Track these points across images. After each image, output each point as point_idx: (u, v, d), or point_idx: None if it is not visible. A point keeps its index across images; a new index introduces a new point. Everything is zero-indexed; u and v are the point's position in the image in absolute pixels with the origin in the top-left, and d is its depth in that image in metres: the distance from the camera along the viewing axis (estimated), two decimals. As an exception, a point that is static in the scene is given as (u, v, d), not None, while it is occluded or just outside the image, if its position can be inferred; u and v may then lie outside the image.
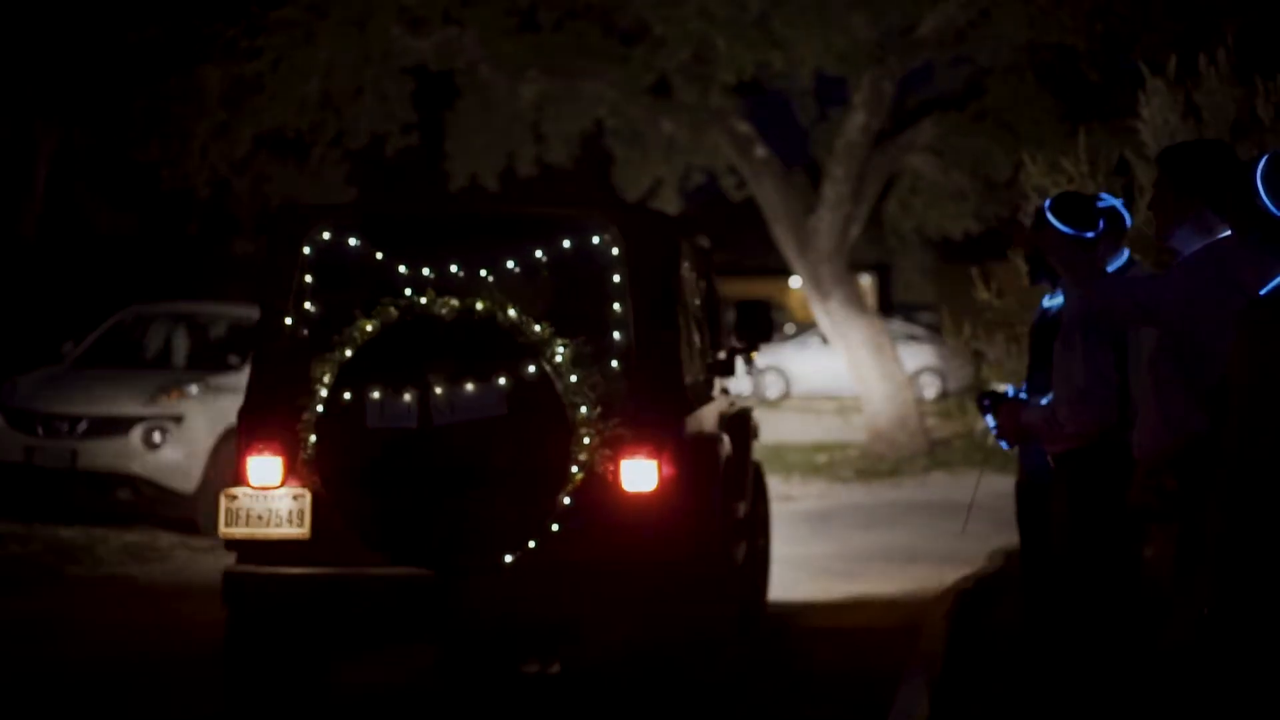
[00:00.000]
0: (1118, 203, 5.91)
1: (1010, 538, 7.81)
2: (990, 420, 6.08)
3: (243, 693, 6.74)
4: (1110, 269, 5.74)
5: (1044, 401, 5.81)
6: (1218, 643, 3.44)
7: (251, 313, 13.15)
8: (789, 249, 19.80)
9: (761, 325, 8.68)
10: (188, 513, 12.45)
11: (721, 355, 8.34)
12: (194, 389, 12.88)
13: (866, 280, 26.97)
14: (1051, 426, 5.63)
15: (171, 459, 12.47)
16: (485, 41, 18.67)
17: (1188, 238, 4.66)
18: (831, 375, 25.32)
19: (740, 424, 8.59)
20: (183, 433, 12.52)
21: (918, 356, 27.87)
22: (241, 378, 13.01)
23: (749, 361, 8.90)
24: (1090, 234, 5.54)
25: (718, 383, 8.18)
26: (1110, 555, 5.38)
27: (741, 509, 8.13)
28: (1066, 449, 5.56)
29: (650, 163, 21.30)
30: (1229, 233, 4.39)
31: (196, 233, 22.94)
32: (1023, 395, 6.05)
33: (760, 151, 19.94)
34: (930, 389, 28.05)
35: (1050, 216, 5.57)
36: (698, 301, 7.83)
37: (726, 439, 7.63)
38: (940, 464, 18.19)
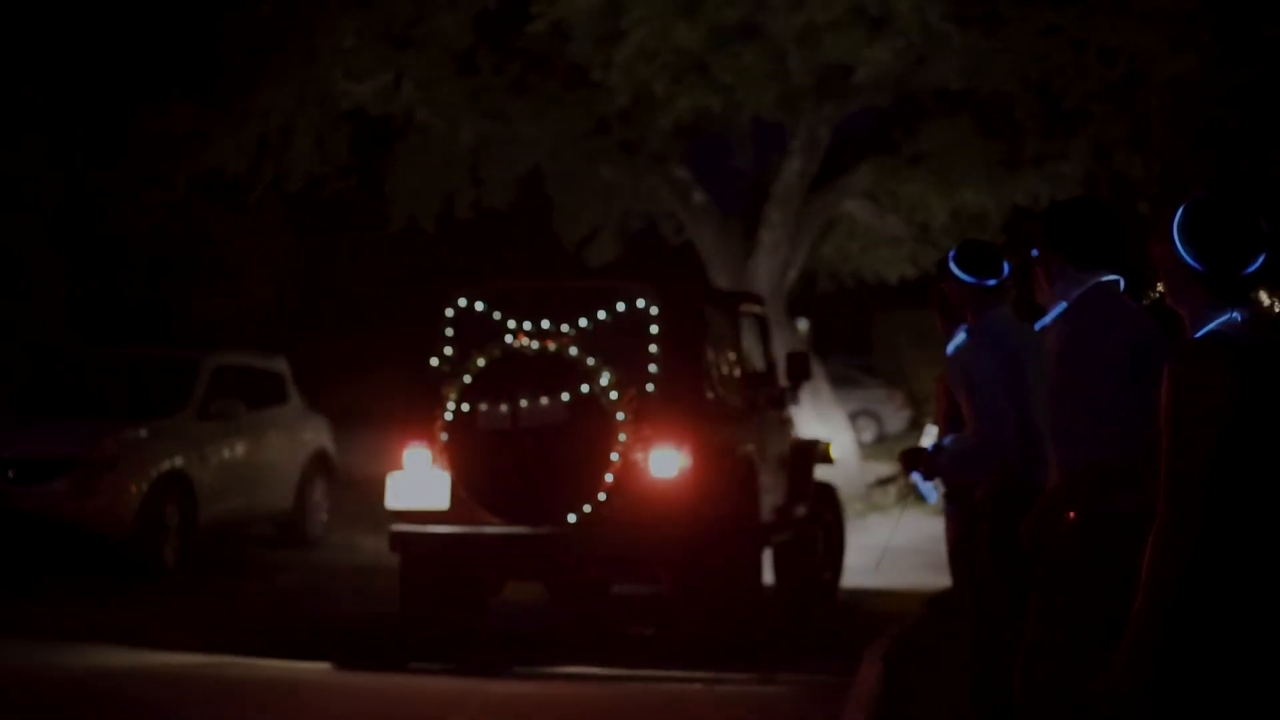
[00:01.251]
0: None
1: (940, 580, 8.15)
2: (916, 476, 6.15)
3: (414, 612, 9.86)
4: (1051, 315, 5.81)
5: (946, 441, 5.90)
6: (1166, 684, 3.47)
7: (190, 356, 13.44)
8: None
9: (802, 369, 11.50)
10: (117, 559, 12.31)
11: (773, 390, 11.48)
12: (128, 434, 12.76)
13: (804, 324, 27.08)
14: (961, 468, 5.70)
15: (102, 504, 12.30)
16: (422, 85, 18.70)
17: (1064, 291, 4.76)
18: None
19: (797, 445, 11.72)
20: (115, 478, 12.37)
21: (855, 400, 27.99)
22: (178, 422, 13.03)
23: (795, 396, 11.92)
24: (992, 281, 5.67)
25: (774, 412, 11.40)
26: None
27: (782, 503, 11.14)
28: (986, 492, 5.62)
29: (589, 207, 21.35)
30: (1098, 281, 4.62)
31: (133, 277, 22.78)
32: (946, 444, 6.09)
33: (698, 197, 20.04)
34: (867, 432, 28.18)
35: (953, 265, 5.68)
36: (732, 348, 10.82)
37: (751, 445, 10.45)
38: (876, 508, 18.24)
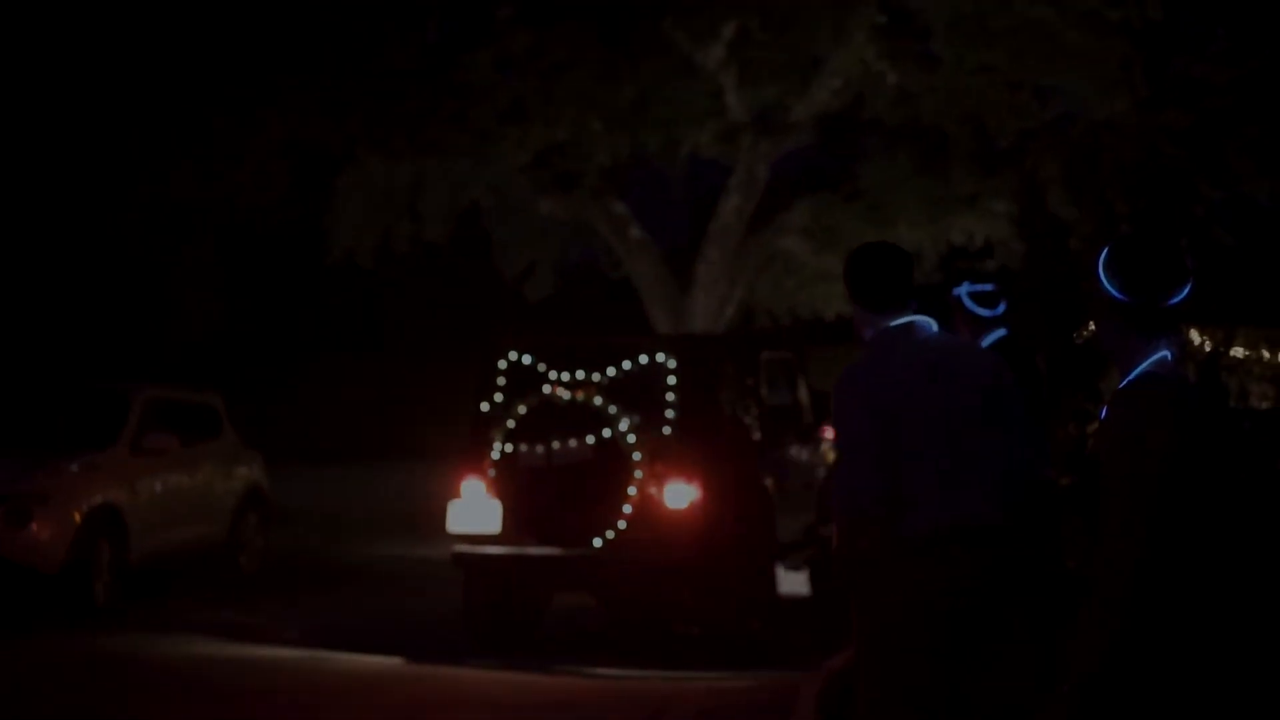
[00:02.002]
0: (961, 291, 6.02)
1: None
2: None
3: (476, 616, 11.59)
4: (984, 344, 5.86)
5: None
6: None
7: (122, 390, 13.42)
8: (664, 329, 19.92)
9: (825, 408, 12.11)
10: (48, 594, 12.17)
11: (800, 425, 13.08)
12: (59, 468, 12.63)
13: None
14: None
15: (32, 539, 12.14)
16: (360, 119, 18.64)
17: (866, 335, 4.98)
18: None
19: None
20: (46, 512, 12.22)
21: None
22: (110, 456, 12.90)
23: (820, 434, 13.21)
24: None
25: (801, 445, 13.07)
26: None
27: (812, 523, 12.29)
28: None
29: (527, 241, 21.35)
30: (888, 325, 4.83)
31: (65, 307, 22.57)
32: None
33: (635, 232, 20.08)
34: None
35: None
36: (752, 390, 12.30)
37: (770, 476, 12.10)
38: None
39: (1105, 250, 3.74)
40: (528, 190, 19.89)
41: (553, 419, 11.00)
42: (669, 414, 11.38)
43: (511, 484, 11.12)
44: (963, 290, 6.12)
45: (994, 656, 4.82)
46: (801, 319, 23.50)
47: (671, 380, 11.45)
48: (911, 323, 4.87)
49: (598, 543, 10.99)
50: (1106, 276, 3.70)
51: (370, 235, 20.54)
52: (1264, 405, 19.08)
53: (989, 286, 6.27)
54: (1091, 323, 4.07)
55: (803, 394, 13.49)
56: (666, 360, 11.49)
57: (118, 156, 17.41)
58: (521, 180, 19.67)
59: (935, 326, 4.94)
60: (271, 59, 17.82)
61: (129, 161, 17.54)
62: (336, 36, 18.05)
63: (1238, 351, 26.56)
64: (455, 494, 11.40)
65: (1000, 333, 6.13)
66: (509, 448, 11.08)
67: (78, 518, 12.32)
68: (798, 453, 13.18)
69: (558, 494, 10.98)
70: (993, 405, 4.81)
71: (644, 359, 11.51)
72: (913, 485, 4.74)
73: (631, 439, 10.97)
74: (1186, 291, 3.68)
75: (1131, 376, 3.69)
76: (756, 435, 12.33)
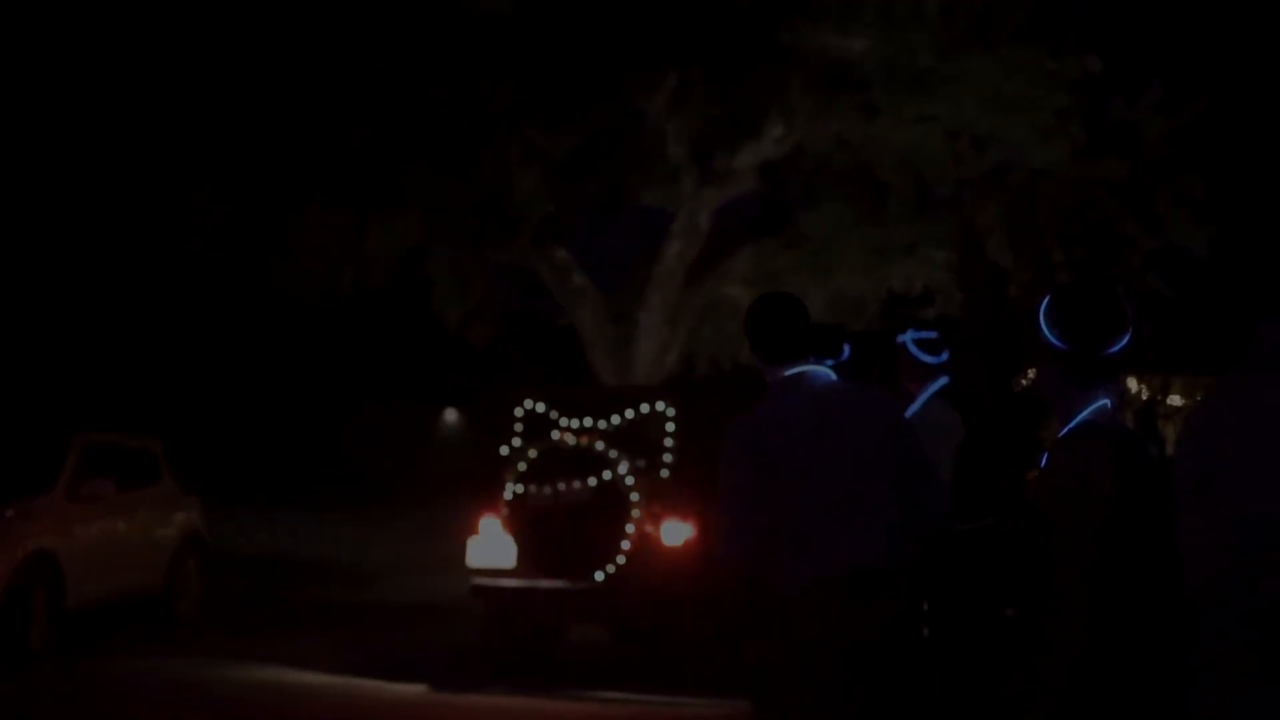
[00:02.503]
0: (906, 338, 6.07)
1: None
2: None
3: (495, 645, 12.52)
4: (924, 396, 5.91)
5: None
6: None
7: (59, 434, 13.38)
8: (606, 375, 19.92)
9: None
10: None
11: None
12: (-6, 513, 12.48)
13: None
14: None
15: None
16: (304, 165, 18.62)
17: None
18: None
19: None
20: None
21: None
22: (46, 501, 12.76)
23: None
24: (830, 361, 5.80)
25: None
26: None
27: None
28: None
29: (470, 288, 21.32)
30: (782, 375, 4.94)
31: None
32: None
33: (578, 279, 20.10)
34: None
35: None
36: None
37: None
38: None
39: (1045, 299, 3.78)
40: (468, 237, 19.88)
41: (560, 463, 12.06)
42: (667, 458, 12.37)
43: (523, 522, 12.15)
44: (907, 337, 6.17)
45: (885, 704, 4.81)
46: (743, 365, 23.57)
47: (670, 427, 12.46)
48: (804, 373, 4.94)
49: (599, 576, 11.86)
50: (1047, 325, 3.75)
51: (316, 279, 20.46)
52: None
53: (933, 334, 6.33)
54: (1031, 370, 4.12)
55: None
56: (665, 409, 12.51)
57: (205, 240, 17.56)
58: (463, 225, 19.66)
59: (832, 376, 5.00)
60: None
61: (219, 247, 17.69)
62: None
63: (1174, 399, 26.85)
64: (473, 531, 12.44)
65: (943, 380, 6.18)
66: (520, 489, 12.13)
67: (13, 564, 12.17)
68: None
69: (564, 532, 11.98)
70: (885, 452, 4.85)
71: (645, 407, 12.60)
72: (799, 533, 4.78)
73: (630, 481, 11.90)
74: (1126, 340, 3.73)
75: (1072, 425, 3.73)
76: None
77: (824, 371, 5.00)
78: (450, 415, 33.91)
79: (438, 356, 26.53)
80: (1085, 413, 3.73)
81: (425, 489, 26.92)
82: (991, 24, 18.00)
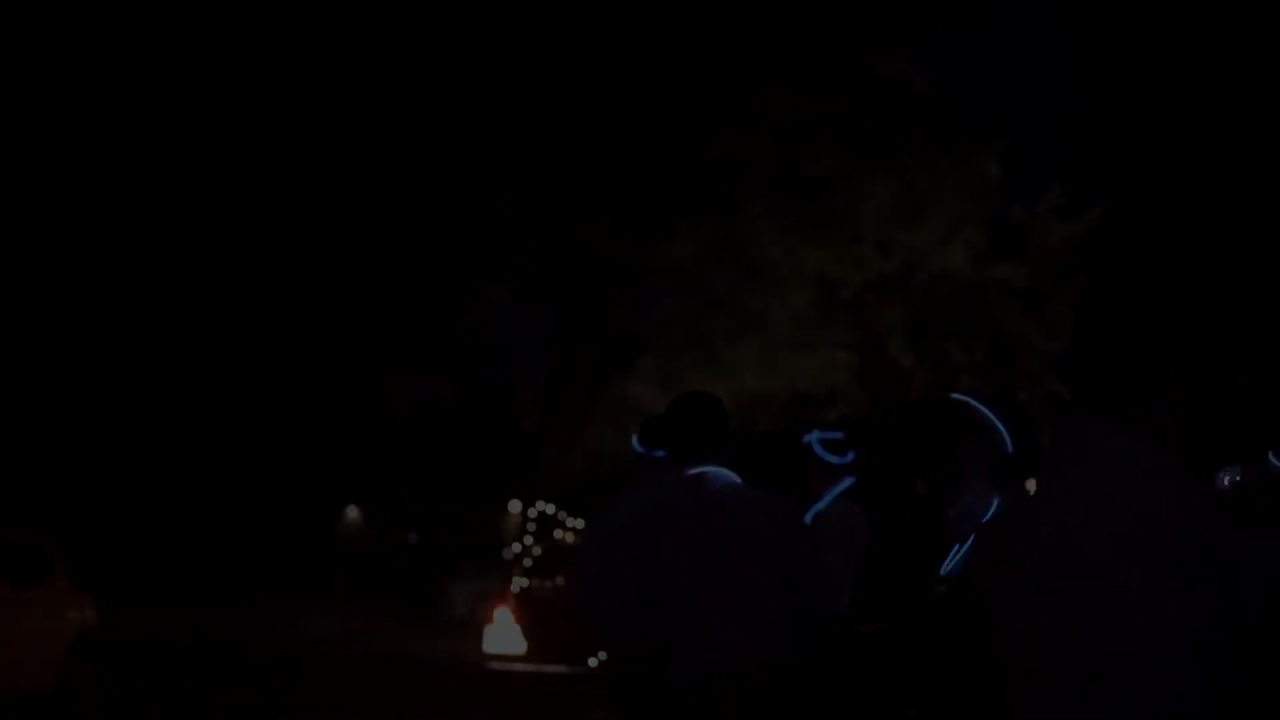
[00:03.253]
0: (812, 438, 6.08)
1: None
2: None
3: None
4: (829, 496, 5.93)
5: None
6: None
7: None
8: (513, 474, 19.86)
9: None
10: None
11: None
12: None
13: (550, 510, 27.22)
14: None
15: None
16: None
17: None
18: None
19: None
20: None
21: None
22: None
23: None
24: (659, 453, 5.84)
25: None
26: None
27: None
28: None
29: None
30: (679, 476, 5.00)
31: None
32: None
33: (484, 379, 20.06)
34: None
35: (635, 443, 5.82)
36: None
37: None
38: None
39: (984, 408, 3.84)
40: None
41: (558, 559, 13.53)
42: None
43: (528, 612, 13.66)
44: (813, 437, 6.19)
45: None
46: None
47: None
48: (704, 473, 4.97)
49: (593, 662, 12.62)
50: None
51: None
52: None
53: (839, 435, 6.35)
54: (935, 473, 4.15)
55: None
56: None
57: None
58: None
59: (734, 477, 5.03)
60: None
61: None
62: None
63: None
64: (489, 620, 14.03)
65: (849, 480, 6.21)
66: (526, 583, 13.66)
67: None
68: None
69: (560, 621, 13.03)
70: (777, 555, 4.87)
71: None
72: (685, 630, 4.79)
73: None
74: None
75: (987, 515, 3.76)
76: None
77: (725, 472, 5.02)
78: (352, 512, 33.68)
79: (340, 454, 26.33)
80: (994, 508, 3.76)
81: (332, 582, 26.59)
82: (893, 131, 18.31)
